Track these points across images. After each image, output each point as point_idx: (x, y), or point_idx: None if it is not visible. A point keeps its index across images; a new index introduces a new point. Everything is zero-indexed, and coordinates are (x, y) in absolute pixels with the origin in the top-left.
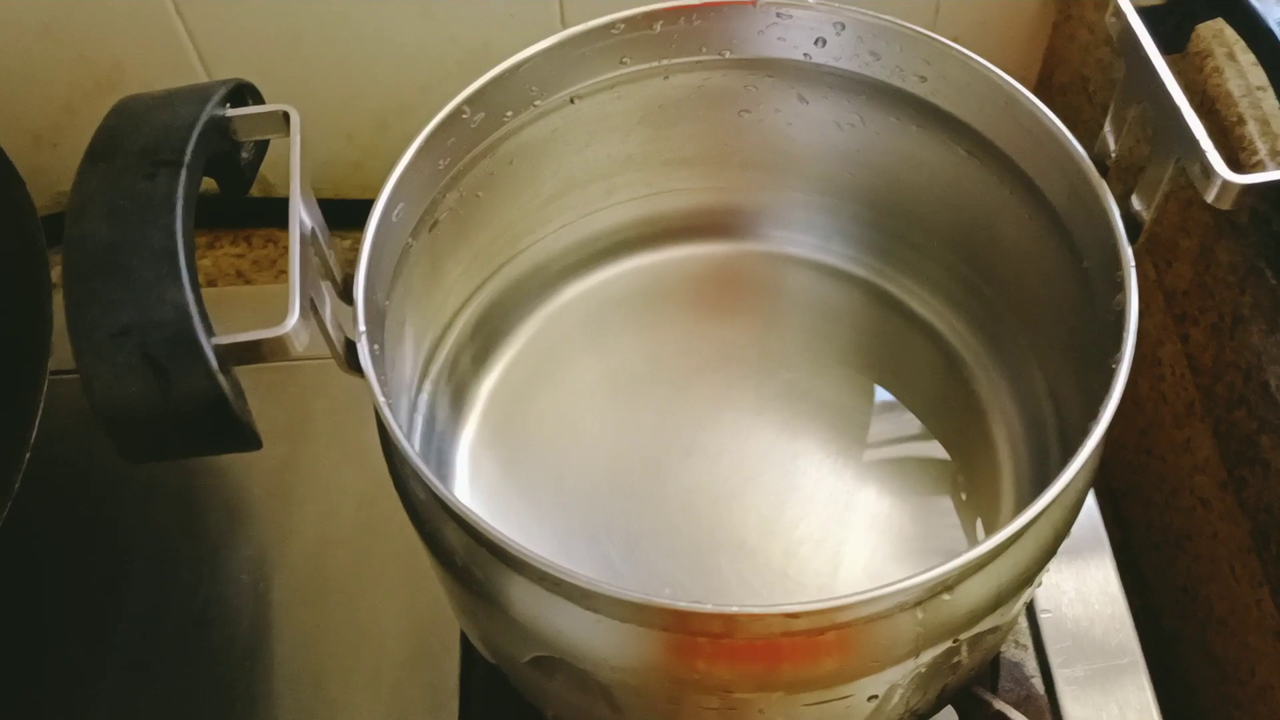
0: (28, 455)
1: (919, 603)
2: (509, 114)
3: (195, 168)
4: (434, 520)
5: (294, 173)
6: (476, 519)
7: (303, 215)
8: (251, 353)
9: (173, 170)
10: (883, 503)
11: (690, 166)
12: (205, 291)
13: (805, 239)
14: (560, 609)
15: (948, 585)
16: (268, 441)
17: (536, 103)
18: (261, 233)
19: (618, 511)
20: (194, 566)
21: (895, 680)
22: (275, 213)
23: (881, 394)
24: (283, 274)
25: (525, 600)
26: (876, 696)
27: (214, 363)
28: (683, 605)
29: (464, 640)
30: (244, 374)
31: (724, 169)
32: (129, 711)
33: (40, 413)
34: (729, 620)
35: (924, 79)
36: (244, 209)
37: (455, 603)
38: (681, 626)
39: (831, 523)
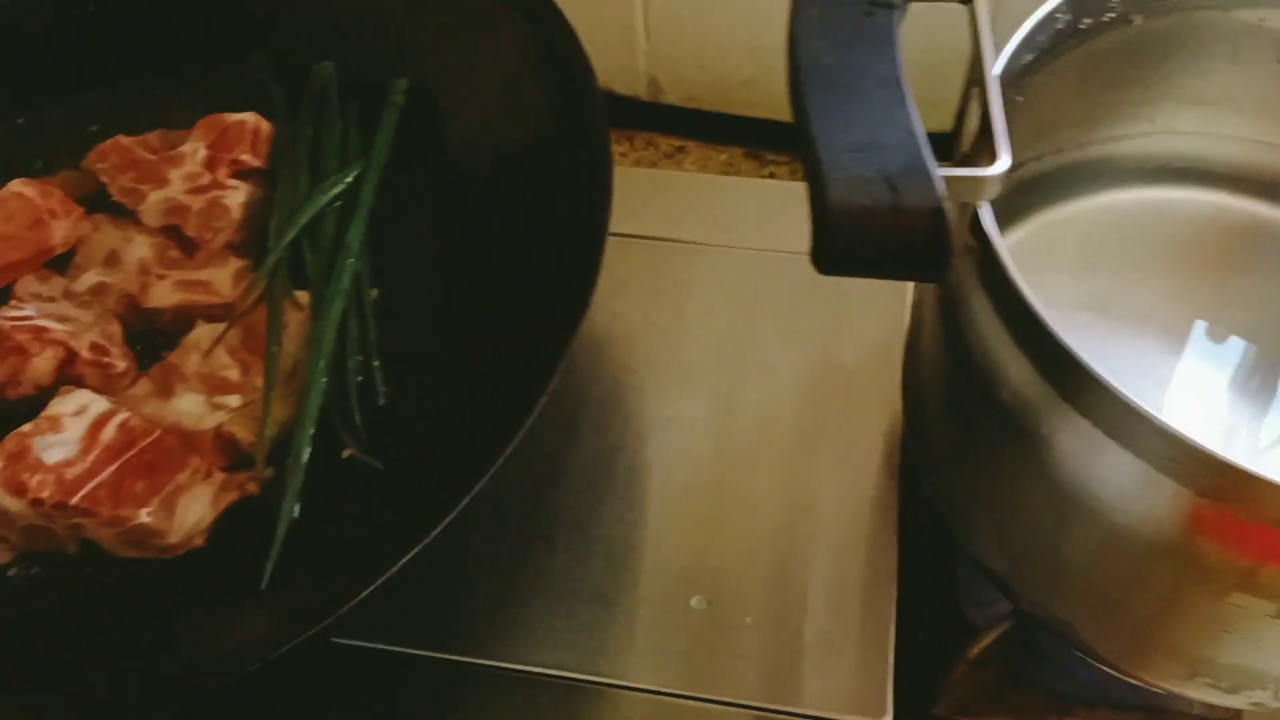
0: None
1: None
2: (1085, 21)
3: (903, 11)
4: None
5: (983, 29)
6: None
7: (992, 65)
8: (960, 188)
9: (888, 11)
10: None
11: (1206, 108)
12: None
13: None
14: (1136, 470)
15: None
16: (709, 315)
17: (1107, 16)
18: (643, 135)
19: None
20: (634, 425)
21: None
22: (655, 117)
23: None
24: None
25: (1088, 452)
26: None
27: (941, 188)
28: None
29: (902, 529)
30: (683, 249)
31: (1239, 115)
32: (571, 566)
33: (600, 265)
34: None
35: None
36: (631, 112)
37: (990, 479)
38: None
39: None
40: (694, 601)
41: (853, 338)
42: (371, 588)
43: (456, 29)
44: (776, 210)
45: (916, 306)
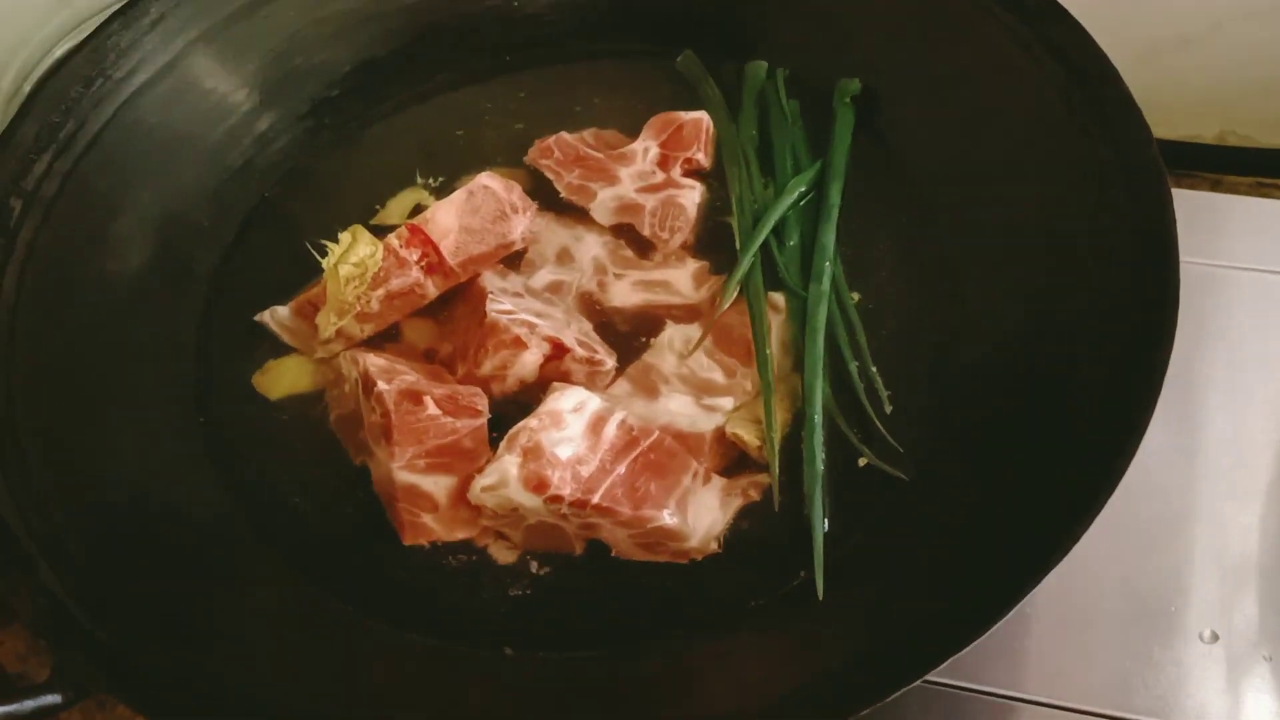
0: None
1: None
2: None
3: None
4: None
5: None
6: None
7: None
8: None
9: None
10: None
11: None
12: None
13: None
14: None
15: None
16: None
17: None
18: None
19: None
20: None
21: None
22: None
23: None
24: None
25: None
26: None
27: None
28: None
29: None
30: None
31: None
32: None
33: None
34: None
35: None
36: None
37: None
38: None
39: None
40: (1204, 635)
41: None
42: (985, 634)
43: (916, 27)
44: (1225, 221)
45: None
